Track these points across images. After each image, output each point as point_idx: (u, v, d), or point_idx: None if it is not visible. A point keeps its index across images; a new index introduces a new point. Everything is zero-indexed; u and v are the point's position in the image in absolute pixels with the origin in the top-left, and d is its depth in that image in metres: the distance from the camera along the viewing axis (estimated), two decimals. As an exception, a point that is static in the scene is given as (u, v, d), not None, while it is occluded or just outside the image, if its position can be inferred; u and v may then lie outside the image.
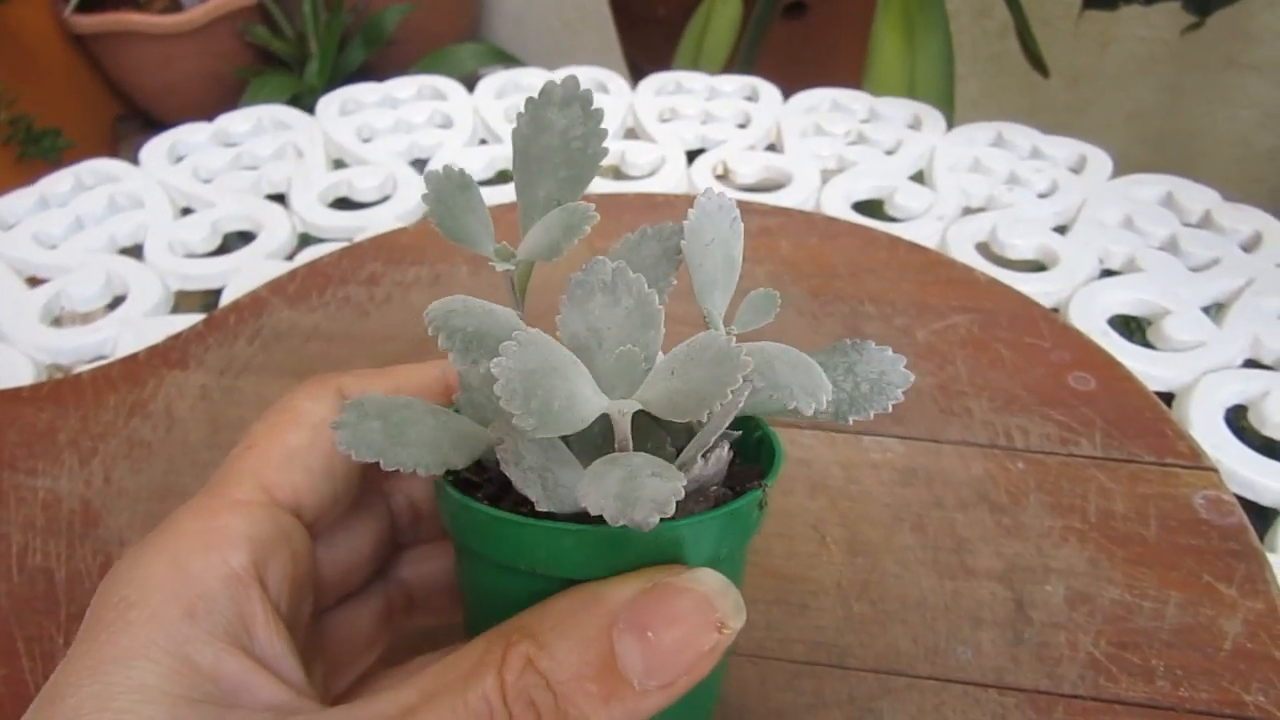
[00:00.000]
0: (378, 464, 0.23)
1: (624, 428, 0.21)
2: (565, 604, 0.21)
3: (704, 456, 0.22)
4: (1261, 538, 0.38)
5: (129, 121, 1.88)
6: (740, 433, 0.25)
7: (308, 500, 0.24)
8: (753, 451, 0.25)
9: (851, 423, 0.23)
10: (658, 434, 0.24)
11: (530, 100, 0.24)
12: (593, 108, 0.24)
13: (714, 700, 0.27)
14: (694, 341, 0.20)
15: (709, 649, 0.20)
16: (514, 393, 0.19)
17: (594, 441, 0.23)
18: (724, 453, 0.23)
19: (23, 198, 0.62)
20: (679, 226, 0.24)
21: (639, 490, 0.19)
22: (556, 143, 0.24)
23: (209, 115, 0.71)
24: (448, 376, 0.28)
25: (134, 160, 0.66)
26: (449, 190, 0.23)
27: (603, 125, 0.24)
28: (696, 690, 0.21)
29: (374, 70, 1.77)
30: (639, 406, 0.21)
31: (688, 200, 0.59)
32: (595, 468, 0.20)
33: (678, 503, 0.20)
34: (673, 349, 0.21)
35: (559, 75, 0.25)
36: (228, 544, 0.22)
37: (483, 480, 0.24)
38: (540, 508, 0.21)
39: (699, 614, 0.20)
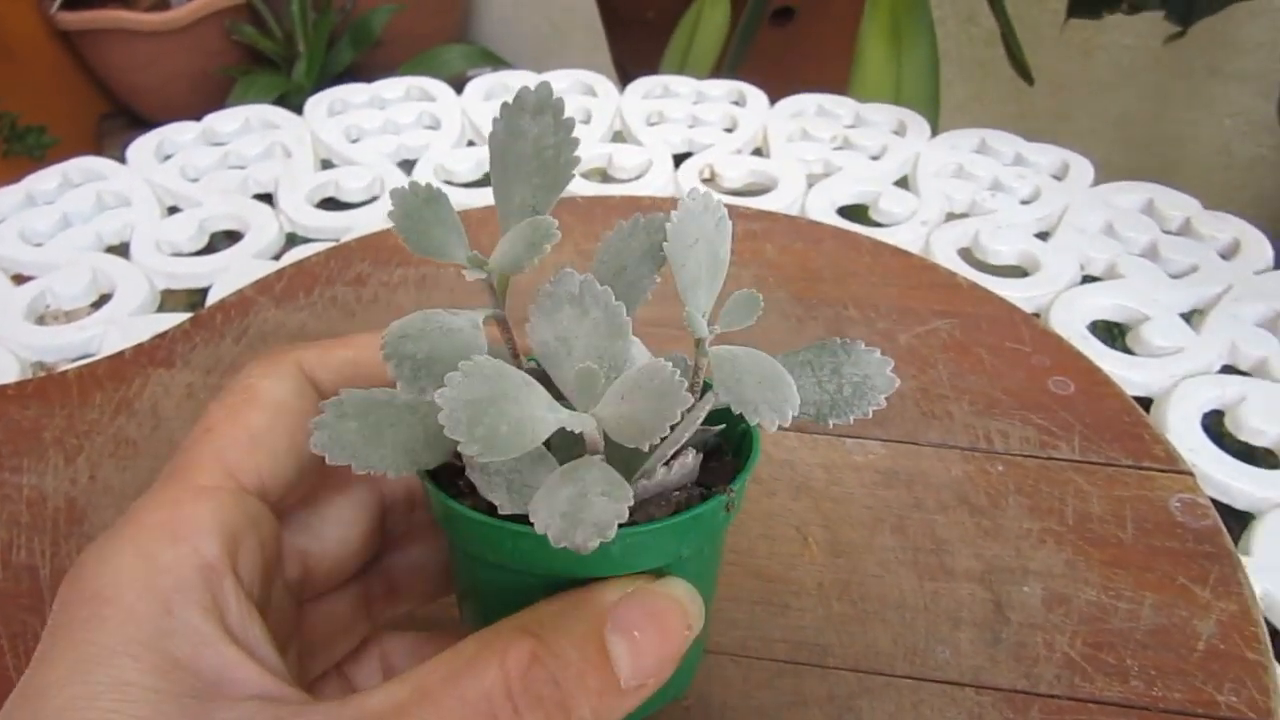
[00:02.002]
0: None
1: (593, 437, 0.22)
2: (557, 605, 0.21)
3: (666, 465, 0.22)
4: (1236, 541, 0.39)
5: (114, 119, 1.88)
6: (722, 426, 0.25)
7: (272, 484, 0.24)
8: (740, 441, 0.25)
9: (831, 425, 0.23)
10: None
11: (505, 105, 0.24)
12: (564, 117, 0.24)
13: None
14: (645, 369, 0.21)
15: (678, 650, 0.21)
16: (458, 422, 0.19)
17: (572, 438, 0.23)
18: (690, 459, 0.23)
19: (9, 195, 0.62)
20: (667, 218, 0.24)
21: (584, 512, 0.19)
22: (530, 150, 0.24)
23: (195, 114, 0.71)
24: None
25: (120, 158, 0.66)
26: (415, 205, 0.23)
27: (574, 134, 0.24)
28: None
29: (361, 70, 1.77)
30: (594, 424, 0.21)
31: (674, 204, 0.60)
32: (550, 482, 0.20)
33: (641, 505, 0.21)
34: (626, 374, 0.21)
35: (543, 79, 0.25)
36: (198, 533, 0.22)
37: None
38: (503, 511, 0.21)
39: (675, 617, 0.22)
